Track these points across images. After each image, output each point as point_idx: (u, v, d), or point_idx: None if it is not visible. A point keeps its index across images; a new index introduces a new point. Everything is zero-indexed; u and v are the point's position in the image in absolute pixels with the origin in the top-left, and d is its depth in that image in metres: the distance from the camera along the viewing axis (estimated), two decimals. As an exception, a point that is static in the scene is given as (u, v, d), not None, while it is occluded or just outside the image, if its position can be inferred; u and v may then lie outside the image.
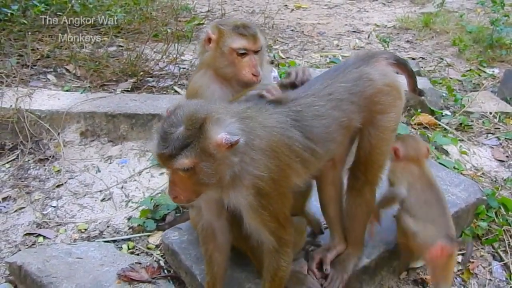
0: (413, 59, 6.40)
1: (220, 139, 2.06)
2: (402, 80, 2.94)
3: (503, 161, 4.44)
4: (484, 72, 6.12)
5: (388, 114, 2.70)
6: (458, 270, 3.33)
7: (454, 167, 4.14)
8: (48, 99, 4.78)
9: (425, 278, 3.24)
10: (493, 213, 3.60)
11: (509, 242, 3.50)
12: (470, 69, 6.25)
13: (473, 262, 3.37)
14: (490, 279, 3.30)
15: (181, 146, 2.03)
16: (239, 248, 2.90)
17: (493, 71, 6.16)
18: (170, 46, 5.76)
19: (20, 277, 3.15)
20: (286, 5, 8.76)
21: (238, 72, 2.81)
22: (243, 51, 2.79)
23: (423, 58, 6.54)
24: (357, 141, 2.81)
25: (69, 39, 5.57)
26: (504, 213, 3.65)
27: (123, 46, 6.15)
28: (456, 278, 3.29)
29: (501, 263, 3.39)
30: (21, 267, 3.13)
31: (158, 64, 5.66)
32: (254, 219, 2.32)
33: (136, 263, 3.28)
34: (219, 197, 2.31)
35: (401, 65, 2.87)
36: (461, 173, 4.02)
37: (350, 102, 2.58)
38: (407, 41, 7.19)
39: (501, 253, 3.45)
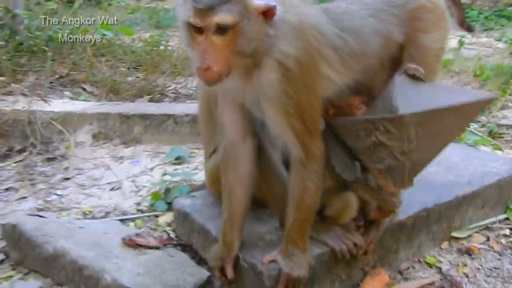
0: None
1: (259, 3, 1.90)
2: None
3: (542, 159, 4.10)
4: (510, 96, 5.92)
5: (431, 34, 2.46)
6: (508, 242, 2.94)
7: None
8: (62, 104, 4.68)
9: (471, 248, 2.84)
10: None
11: (562, 217, 3.11)
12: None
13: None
14: (545, 250, 2.89)
15: (223, 1, 1.85)
16: (261, 199, 2.59)
17: (518, 99, 5.95)
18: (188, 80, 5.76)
19: (14, 239, 2.81)
20: None
21: None
22: None
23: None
24: None
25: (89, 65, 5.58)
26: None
27: (140, 77, 6.12)
28: (505, 250, 2.89)
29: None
30: (15, 226, 2.81)
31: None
32: (277, 112, 2.05)
33: (143, 231, 2.96)
34: (243, 85, 2.07)
35: None
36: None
37: (389, 13, 2.40)
38: (428, 80, 7.10)
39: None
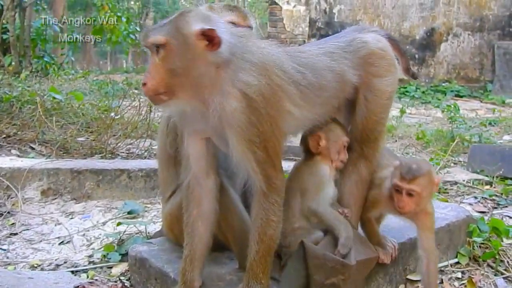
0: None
1: (195, 28, 2.05)
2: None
3: (484, 212, 4.30)
4: (452, 157, 6.24)
5: (384, 78, 2.60)
6: (461, 284, 3.01)
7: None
8: (10, 160, 4.55)
9: (426, 290, 2.90)
10: (486, 235, 3.37)
11: (508, 261, 3.23)
12: (438, 154, 6.35)
13: (474, 276, 3.07)
14: (496, 290, 2.98)
15: (158, 26, 2.10)
16: (221, 240, 2.58)
17: (459, 159, 6.28)
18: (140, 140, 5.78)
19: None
20: None
21: None
22: None
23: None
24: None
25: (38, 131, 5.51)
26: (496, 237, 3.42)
27: (91, 138, 6.07)
28: (458, 291, 2.96)
29: (503, 276, 3.10)
30: (-42, 276, 2.65)
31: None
32: (240, 139, 2.10)
33: (96, 280, 2.85)
34: (206, 113, 2.12)
35: (393, 41, 2.80)
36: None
37: (343, 57, 2.53)
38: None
39: (501, 270, 3.16)
